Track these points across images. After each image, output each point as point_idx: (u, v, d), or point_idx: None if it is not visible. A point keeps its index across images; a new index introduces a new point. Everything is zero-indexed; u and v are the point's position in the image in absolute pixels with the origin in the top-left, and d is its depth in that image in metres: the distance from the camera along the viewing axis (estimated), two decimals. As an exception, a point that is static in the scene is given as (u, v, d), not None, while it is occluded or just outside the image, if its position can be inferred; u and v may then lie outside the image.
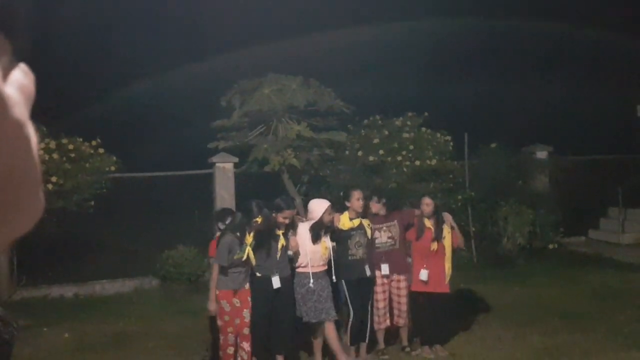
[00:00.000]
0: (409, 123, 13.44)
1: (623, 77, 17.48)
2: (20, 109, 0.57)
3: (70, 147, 11.55)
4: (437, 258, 7.86)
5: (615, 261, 12.80)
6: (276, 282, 7.08)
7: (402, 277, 7.93)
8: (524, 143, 14.82)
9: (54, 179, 10.96)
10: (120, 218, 12.61)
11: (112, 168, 11.93)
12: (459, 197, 13.29)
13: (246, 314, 7.02)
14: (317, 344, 7.45)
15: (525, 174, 14.32)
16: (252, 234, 6.98)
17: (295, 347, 7.49)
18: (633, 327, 8.59)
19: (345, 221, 7.67)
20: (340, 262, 7.56)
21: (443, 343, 8.02)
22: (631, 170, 15.02)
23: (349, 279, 7.61)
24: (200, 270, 11.36)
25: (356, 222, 7.70)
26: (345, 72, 16.56)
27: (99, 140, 12.02)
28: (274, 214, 7.13)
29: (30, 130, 0.58)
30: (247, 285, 7.07)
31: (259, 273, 7.07)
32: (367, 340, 7.77)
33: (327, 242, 7.43)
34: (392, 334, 8.15)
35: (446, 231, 7.91)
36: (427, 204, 7.94)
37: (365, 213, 7.80)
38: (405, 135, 13.18)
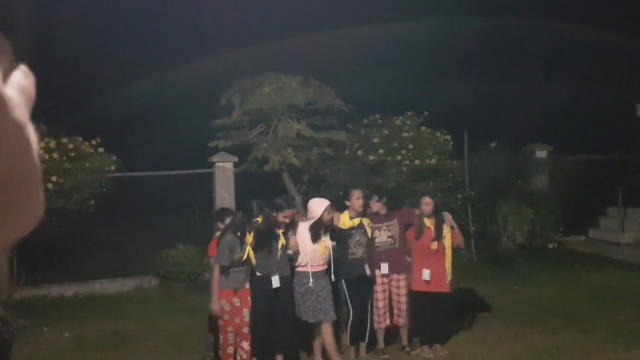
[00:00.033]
0: (408, 122, 13.44)
1: (623, 76, 17.47)
2: (21, 111, 0.57)
3: (70, 146, 11.55)
4: (437, 257, 7.86)
5: (615, 261, 12.80)
6: (275, 281, 7.08)
7: (401, 277, 7.93)
8: (523, 142, 14.81)
9: (53, 178, 10.96)
10: (120, 217, 12.61)
11: (112, 167, 11.93)
12: (459, 196, 13.30)
13: (246, 313, 7.02)
14: (317, 344, 7.44)
15: (525, 173, 14.32)
16: (252, 234, 6.98)
17: (294, 347, 7.48)
18: (633, 326, 8.59)
19: (345, 220, 7.66)
20: (340, 261, 7.56)
21: (443, 342, 8.02)
22: (631, 170, 15.00)
23: (349, 278, 7.61)
24: (200, 269, 11.35)
25: (356, 221, 7.69)
26: (345, 71, 16.55)
27: (98, 139, 12.02)
28: (274, 214, 7.12)
29: (31, 132, 0.58)
30: (247, 285, 7.07)
31: (259, 272, 7.07)
32: (366, 340, 7.76)
33: (326, 242, 7.42)
34: (391, 333, 8.14)
35: (446, 231, 7.92)
36: (427, 203, 7.94)
37: (365, 212, 7.80)
38: (405, 134, 13.18)
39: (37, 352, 8.24)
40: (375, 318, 7.84)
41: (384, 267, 7.84)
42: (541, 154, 14.76)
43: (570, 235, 14.63)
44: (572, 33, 18.56)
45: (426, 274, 7.79)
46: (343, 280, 7.61)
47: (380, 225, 7.91)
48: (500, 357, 7.64)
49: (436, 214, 7.96)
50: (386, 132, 13.23)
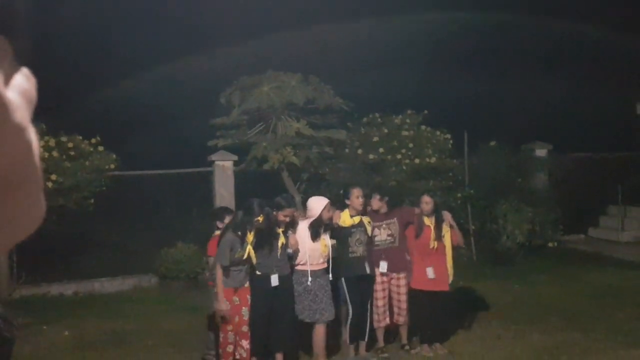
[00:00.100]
0: (408, 121, 13.44)
1: (623, 75, 17.47)
2: (22, 114, 0.57)
3: (70, 145, 11.55)
4: (436, 256, 7.86)
5: (614, 259, 12.81)
6: (275, 280, 7.08)
7: (401, 275, 7.93)
8: (523, 141, 14.82)
9: (53, 176, 10.96)
10: (120, 216, 12.61)
11: (112, 166, 11.93)
12: (459, 195, 13.30)
13: (245, 312, 7.02)
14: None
15: (525, 172, 14.32)
16: (253, 233, 6.98)
17: (294, 346, 7.48)
18: (633, 325, 8.60)
19: (345, 218, 7.66)
20: (340, 259, 7.56)
21: (442, 341, 8.02)
22: (631, 168, 15.02)
23: (349, 276, 7.61)
24: (200, 268, 11.35)
25: (356, 219, 7.69)
26: (345, 69, 16.55)
27: (98, 138, 12.02)
28: (274, 212, 7.13)
29: (32, 135, 0.58)
30: (247, 284, 7.08)
31: (259, 271, 7.08)
32: (366, 339, 7.77)
33: (326, 240, 7.43)
34: (391, 332, 8.15)
35: (445, 230, 7.92)
36: (427, 202, 7.94)
37: (365, 211, 7.80)
38: (405, 133, 13.18)
39: (37, 350, 8.24)
40: (375, 317, 7.84)
41: (383, 266, 7.84)
42: (541, 152, 14.76)
43: (570, 233, 14.64)
44: (572, 32, 18.57)
45: (430, 272, 7.80)
46: (343, 279, 7.62)
47: (380, 223, 7.91)
48: (500, 356, 7.65)
49: (436, 212, 7.96)
50: (386, 130, 13.23)
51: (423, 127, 13.41)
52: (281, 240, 7.15)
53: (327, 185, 12.57)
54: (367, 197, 7.89)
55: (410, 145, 13.05)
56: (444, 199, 12.12)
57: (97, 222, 12.04)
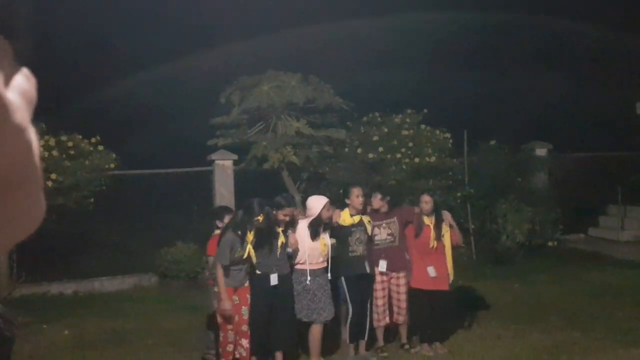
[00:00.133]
0: (408, 120, 13.44)
1: (623, 74, 17.47)
2: (22, 114, 0.57)
3: (70, 144, 11.55)
4: (436, 256, 7.87)
5: (614, 259, 12.82)
6: (274, 279, 7.09)
7: (401, 275, 7.93)
8: (523, 140, 14.82)
9: (53, 176, 10.96)
10: (120, 215, 12.61)
11: (112, 165, 11.93)
12: (458, 194, 13.30)
13: (245, 311, 7.03)
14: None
15: (525, 171, 14.33)
16: (253, 232, 6.99)
17: (294, 345, 7.49)
18: (632, 324, 8.60)
19: (345, 217, 7.67)
20: (340, 258, 7.57)
21: (442, 341, 8.02)
22: (631, 168, 15.02)
23: (349, 275, 7.62)
24: (199, 267, 11.36)
25: (356, 218, 7.69)
26: (345, 68, 16.55)
27: (98, 137, 12.02)
28: (274, 212, 7.13)
29: (32, 135, 0.58)
30: (247, 283, 7.08)
31: (259, 270, 7.08)
32: (366, 338, 7.77)
33: (325, 239, 7.43)
34: (391, 331, 8.15)
35: (445, 229, 7.92)
36: (426, 201, 7.94)
37: (365, 210, 7.80)
38: (405, 132, 13.18)
39: (36, 349, 8.24)
40: (375, 316, 7.84)
41: (382, 265, 7.84)
42: (541, 152, 14.76)
43: (570, 233, 14.64)
44: (571, 31, 18.57)
45: (431, 270, 7.80)
46: (343, 278, 7.62)
47: (380, 222, 7.91)
48: (500, 356, 7.64)
49: (435, 212, 7.96)
50: (386, 130, 13.23)
51: (423, 126, 13.41)
52: (281, 239, 7.16)
53: (327, 185, 12.57)
54: (367, 197, 7.89)
55: (410, 144, 13.05)
56: (444, 198, 12.12)
57: (97, 222, 12.04)
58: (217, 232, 7.52)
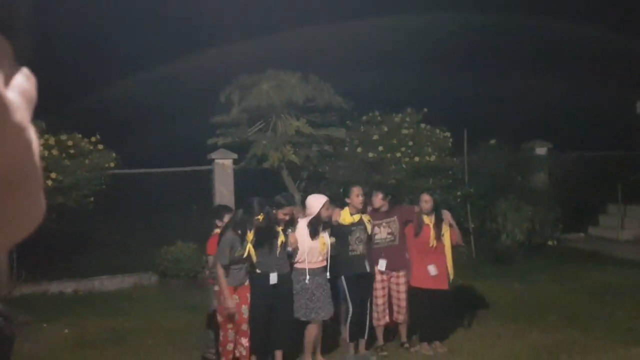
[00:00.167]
0: (408, 119, 13.43)
1: (623, 74, 17.47)
2: (22, 114, 0.57)
3: (70, 143, 11.55)
4: (436, 255, 7.87)
5: (614, 258, 12.81)
6: (273, 278, 7.09)
7: (401, 274, 7.93)
8: (523, 139, 14.82)
9: (53, 175, 10.96)
10: (120, 214, 12.62)
11: (112, 164, 11.93)
12: (458, 193, 13.30)
13: (245, 310, 7.03)
14: (316, 340, 7.46)
15: (525, 170, 14.32)
16: (253, 231, 6.99)
17: (294, 343, 7.49)
18: (632, 323, 8.60)
19: (346, 216, 7.67)
20: (340, 257, 7.57)
21: (442, 340, 8.02)
22: (630, 167, 15.02)
23: (349, 274, 7.62)
24: (199, 266, 11.37)
25: (356, 217, 7.70)
26: (345, 68, 16.54)
27: (98, 136, 12.02)
28: (274, 211, 7.13)
29: (32, 135, 0.58)
30: (247, 282, 7.09)
31: (259, 270, 7.09)
32: (366, 337, 7.77)
33: (325, 238, 7.43)
34: (391, 330, 8.16)
35: (445, 229, 7.92)
36: (426, 200, 7.94)
37: (365, 209, 7.81)
38: (405, 131, 13.18)
39: (36, 348, 8.24)
40: (375, 315, 7.85)
41: (382, 264, 7.85)
42: (541, 151, 14.77)
43: (570, 232, 14.65)
44: (571, 30, 18.56)
45: (432, 269, 7.81)
46: (343, 277, 7.62)
47: (380, 222, 7.92)
48: (500, 355, 7.64)
49: (435, 211, 7.97)
50: (385, 129, 13.23)
51: (423, 125, 13.40)
52: (281, 238, 7.16)
53: (327, 184, 12.57)
54: (367, 196, 7.89)
55: (410, 143, 13.05)
56: (444, 198, 12.12)
57: (96, 221, 12.04)
58: (217, 231, 7.52)
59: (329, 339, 7.77)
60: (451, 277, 7.98)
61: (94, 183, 11.67)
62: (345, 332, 7.78)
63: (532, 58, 20.27)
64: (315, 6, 17.51)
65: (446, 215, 8.05)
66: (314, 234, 7.31)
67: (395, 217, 7.95)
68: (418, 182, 12.42)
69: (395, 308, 7.97)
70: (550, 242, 13.63)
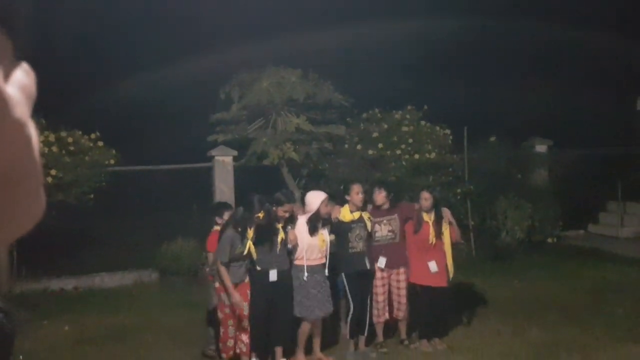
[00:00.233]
0: (408, 116, 13.43)
1: (622, 71, 17.46)
2: (22, 109, 0.57)
3: (70, 140, 11.56)
4: (435, 252, 7.87)
5: (614, 255, 12.81)
6: (273, 275, 7.10)
7: (401, 271, 7.94)
8: (523, 137, 14.81)
9: (53, 172, 10.96)
10: (120, 211, 12.61)
11: (112, 161, 11.94)
12: (458, 190, 13.30)
13: (245, 307, 7.04)
14: (315, 340, 7.48)
15: (525, 167, 14.32)
16: (253, 229, 6.99)
17: (294, 340, 7.49)
18: (632, 321, 8.60)
19: (345, 214, 7.67)
20: (340, 255, 7.57)
21: (441, 337, 8.03)
22: (631, 165, 15.02)
23: (349, 272, 7.63)
24: (200, 263, 11.37)
25: (357, 214, 7.71)
26: (345, 65, 16.54)
27: (98, 133, 12.02)
28: (274, 208, 7.14)
29: (31, 130, 0.58)
30: (247, 279, 7.09)
31: (259, 267, 7.09)
32: (366, 334, 7.78)
33: (324, 235, 7.43)
34: (391, 327, 8.16)
35: (444, 227, 7.93)
36: (426, 198, 7.95)
37: (365, 206, 7.81)
38: (405, 128, 13.17)
39: (37, 345, 8.24)
40: (375, 312, 7.85)
41: (382, 261, 7.85)
42: (541, 148, 14.76)
43: (570, 229, 14.64)
44: (571, 28, 18.55)
45: (433, 265, 7.81)
46: (343, 274, 7.63)
47: (381, 219, 7.92)
48: (499, 352, 7.65)
49: (435, 208, 7.97)
50: (385, 126, 13.22)
51: (423, 122, 13.40)
52: (280, 235, 7.17)
53: (327, 181, 12.57)
54: (367, 193, 7.90)
55: (410, 140, 13.05)
56: (444, 195, 12.12)
57: (96, 217, 12.04)
58: (217, 228, 7.53)
59: (329, 336, 7.78)
60: (451, 274, 7.99)
61: (94, 180, 11.67)
62: (345, 329, 7.79)
63: (532, 56, 20.26)
64: (315, 5, 17.50)
65: (446, 212, 8.05)
66: (313, 230, 7.32)
67: (396, 214, 7.95)
68: (418, 180, 12.42)
69: (395, 305, 7.98)
70: (550, 240, 13.63)
